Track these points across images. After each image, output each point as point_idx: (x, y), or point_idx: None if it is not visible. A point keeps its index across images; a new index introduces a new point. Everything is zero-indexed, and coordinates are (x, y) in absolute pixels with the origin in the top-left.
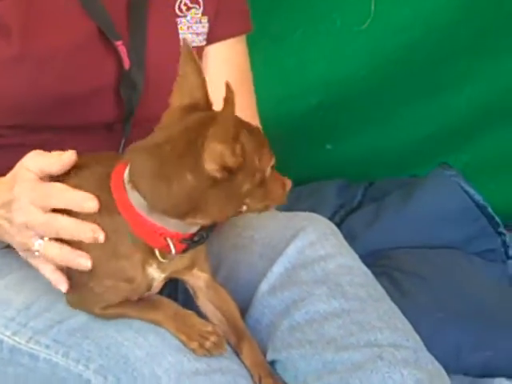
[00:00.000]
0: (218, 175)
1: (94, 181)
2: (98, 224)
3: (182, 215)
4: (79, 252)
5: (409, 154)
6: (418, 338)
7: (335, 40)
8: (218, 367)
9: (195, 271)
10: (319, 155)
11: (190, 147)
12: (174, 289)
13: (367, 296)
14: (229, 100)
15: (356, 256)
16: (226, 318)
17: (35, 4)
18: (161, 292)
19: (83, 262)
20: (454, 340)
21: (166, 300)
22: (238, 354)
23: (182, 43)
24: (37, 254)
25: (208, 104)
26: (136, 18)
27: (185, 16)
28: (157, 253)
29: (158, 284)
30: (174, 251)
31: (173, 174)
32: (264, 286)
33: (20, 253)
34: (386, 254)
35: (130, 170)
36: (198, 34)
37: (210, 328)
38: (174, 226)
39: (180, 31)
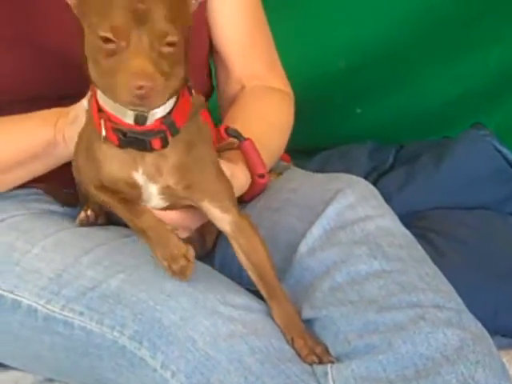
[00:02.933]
0: None
1: None
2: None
3: None
4: None
5: (439, 116)
6: (459, 300)
7: (362, 1)
8: (253, 329)
9: (209, 206)
10: (349, 119)
11: None
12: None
13: (408, 257)
14: None
15: (396, 218)
16: (255, 268)
17: None
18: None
19: None
20: (491, 301)
21: (153, 212)
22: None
23: None
24: None
25: None
26: None
27: None
28: (101, 137)
29: (152, 197)
30: (104, 132)
31: None
32: (303, 248)
33: None
34: (419, 215)
35: None
36: None
37: (182, 250)
38: (110, 106)
39: None
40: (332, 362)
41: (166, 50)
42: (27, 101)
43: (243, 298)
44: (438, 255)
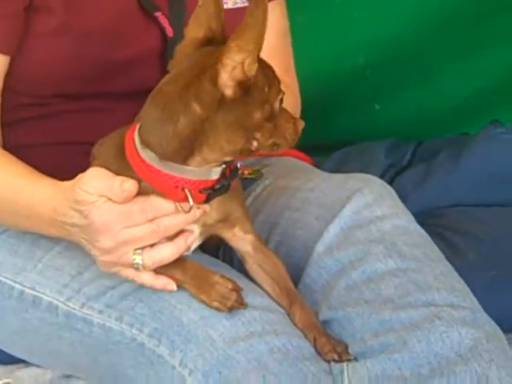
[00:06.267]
0: (231, 92)
1: (113, 153)
2: None
3: (189, 152)
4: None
5: (458, 112)
6: (474, 299)
7: None
8: (272, 329)
9: (237, 231)
10: (368, 115)
11: (197, 74)
12: (230, 258)
13: (423, 256)
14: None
15: (412, 217)
16: (277, 282)
17: None
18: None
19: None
20: (508, 298)
21: (188, 260)
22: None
23: None
24: (137, 266)
25: (223, 37)
26: None
27: None
28: (178, 206)
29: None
30: (191, 202)
31: (176, 109)
32: (320, 247)
33: (104, 270)
34: (436, 212)
35: (139, 128)
36: None
37: (230, 285)
38: (193, 174)
39: None
40: (349, 360)
41: None
42: (68, 96)
43: (263, 298)
44: (454, 253)
